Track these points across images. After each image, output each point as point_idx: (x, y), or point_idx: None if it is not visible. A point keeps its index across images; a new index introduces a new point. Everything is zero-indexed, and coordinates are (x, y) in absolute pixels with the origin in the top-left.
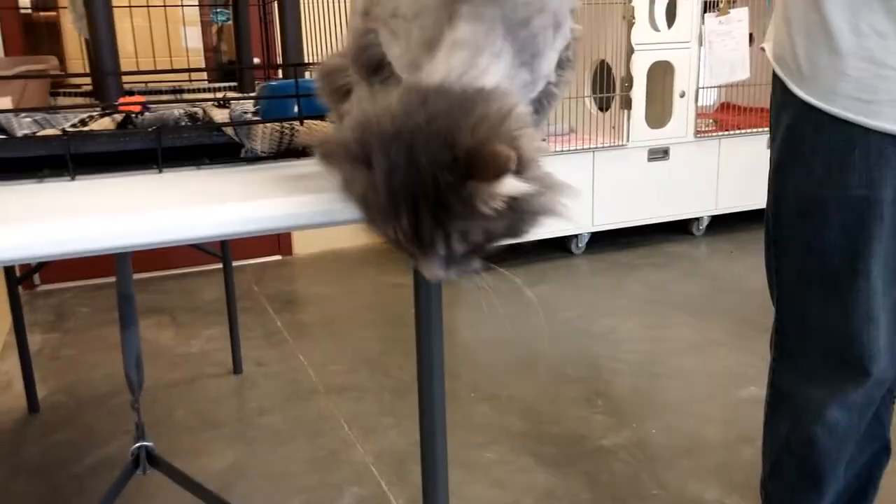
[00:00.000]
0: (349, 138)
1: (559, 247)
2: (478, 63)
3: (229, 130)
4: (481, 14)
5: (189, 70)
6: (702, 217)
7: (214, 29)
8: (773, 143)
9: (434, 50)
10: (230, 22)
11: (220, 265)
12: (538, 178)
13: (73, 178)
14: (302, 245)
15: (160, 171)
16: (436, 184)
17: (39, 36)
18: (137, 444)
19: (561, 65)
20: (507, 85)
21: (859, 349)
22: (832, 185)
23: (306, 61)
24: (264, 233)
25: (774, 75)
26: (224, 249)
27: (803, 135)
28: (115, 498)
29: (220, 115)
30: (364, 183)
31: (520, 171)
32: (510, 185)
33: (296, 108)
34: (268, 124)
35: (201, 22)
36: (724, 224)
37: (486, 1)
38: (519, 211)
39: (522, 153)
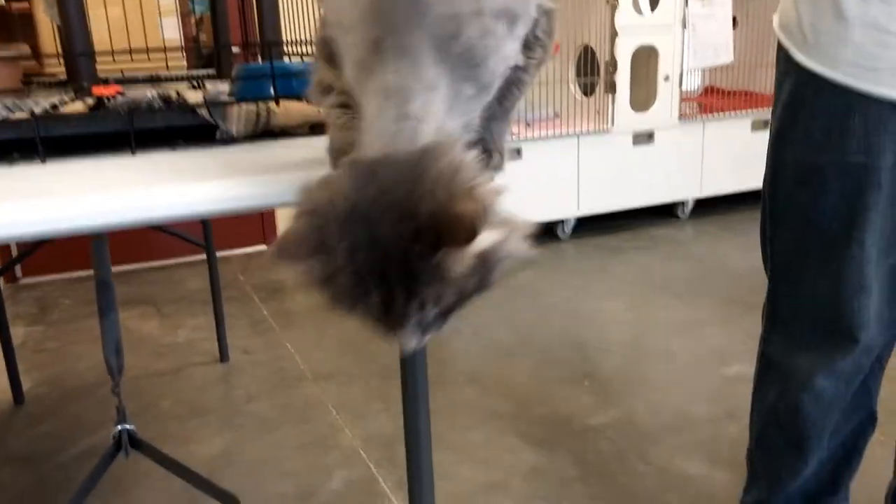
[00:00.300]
0: (304, 229)
1: (545, 232)
2: (410, 111)
3: (204, 112)
4: (405, 46)
5: (164, 50)
6: (687, 200)
7: (193, 20)
8: (773, 113)
9: (367, 76)
10: (209, 12)
11: (205, 255)
12: (501, 221)
13: (44, 161)
14: None
15: (133, 153)
16: (403, 256)
17: (13, 28)
18: (119, 428)
19: (529, 46)
20: (447, 121)
21: (849, 316)
22: (831, 151)
23: (284, 43)
24: (239, 212)
25: (779, 45)
26: (207, 238)
27: (804, 100)
28: (97, 482)
29: (194, 98)
30: (326, 267)
31: (484, 222)
32: (480, 242)
33: (272, 90)
34: (243, 106)
35: (180, 13)
36: (708, 207)
37: (407, 27)
38: (489, 262)
39: (483, 203)
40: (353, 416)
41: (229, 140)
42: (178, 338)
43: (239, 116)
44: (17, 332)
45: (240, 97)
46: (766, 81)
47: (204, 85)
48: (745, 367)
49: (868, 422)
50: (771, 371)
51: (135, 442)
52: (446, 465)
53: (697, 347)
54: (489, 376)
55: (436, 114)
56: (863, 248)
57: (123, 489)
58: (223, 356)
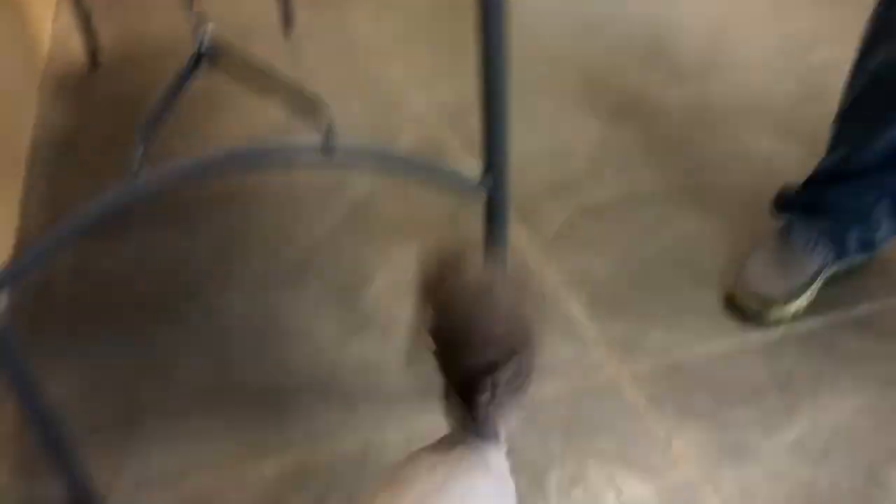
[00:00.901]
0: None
1: None
2: None
3: None
4: None
5: None
6: None
7: None
8: None
9: None
10: None
11: None
12: None
13: None
14: None
15: None
16: None
17: None
18: (200, 36)
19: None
20: None
21: None
22: None
23: None
24: None
25: None
26: None
27: None
28: (180, 89)
29: None
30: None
31: None
32: None
33: None
34: None
35: None
36: None
37: None
38: None
39: None
40: (418, 87)
41: None
42: (240, 15)
43: None
44: None
45: None
46: None
47: None
48: (833, 54)
49: None
50: (883, 31)
51: (216, 56)
52: (513, 133)
53: (784, 30)
54: (562, 55)
55: None
56: None
57: (207, 109)
58: (288, 23)
